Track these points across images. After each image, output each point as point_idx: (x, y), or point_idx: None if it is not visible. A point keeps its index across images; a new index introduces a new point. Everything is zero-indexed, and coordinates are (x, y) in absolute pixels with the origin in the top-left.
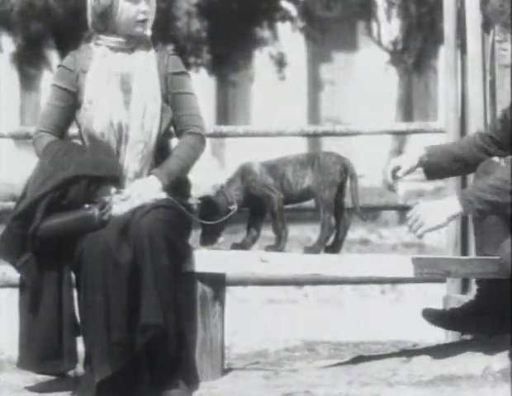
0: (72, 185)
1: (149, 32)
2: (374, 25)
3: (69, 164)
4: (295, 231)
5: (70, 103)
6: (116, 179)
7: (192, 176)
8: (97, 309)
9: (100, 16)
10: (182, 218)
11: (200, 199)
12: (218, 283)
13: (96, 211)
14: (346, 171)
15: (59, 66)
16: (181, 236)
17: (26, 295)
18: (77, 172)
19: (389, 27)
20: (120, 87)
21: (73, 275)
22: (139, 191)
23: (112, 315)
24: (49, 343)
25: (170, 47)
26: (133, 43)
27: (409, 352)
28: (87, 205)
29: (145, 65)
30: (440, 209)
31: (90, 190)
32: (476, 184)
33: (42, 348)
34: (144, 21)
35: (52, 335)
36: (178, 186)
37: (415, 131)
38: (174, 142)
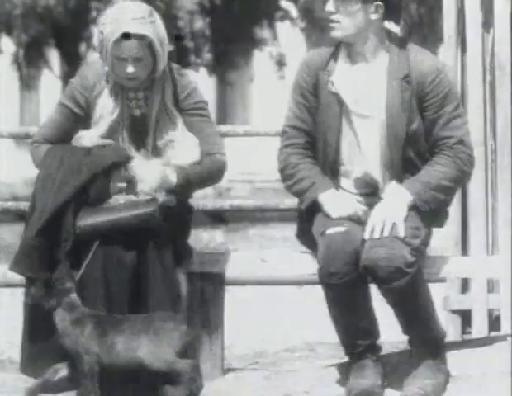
0: (89, 185)
1: (154, 75)
2: None
3: (80, 168)
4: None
5: (76, 123)
6: (125, 162)
7: None
8: (99, 307)
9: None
10: (184, 217)
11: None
12: (218, 283)
13: (156, 210)
14: None
15: (69, 82)
16: (183, 236)
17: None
18: (91, 172)
19: (389, 27)
20: (132, 131)
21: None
22: (154, 177)
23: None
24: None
25: (185, 72)
26: (144, 83)
27: (409, 352)
28: (135, 199)
29: (162, 106)
30: (397, 205)
31: (106, 183)
32: (425, 180)
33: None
34: (133, 79)
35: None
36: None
37: None
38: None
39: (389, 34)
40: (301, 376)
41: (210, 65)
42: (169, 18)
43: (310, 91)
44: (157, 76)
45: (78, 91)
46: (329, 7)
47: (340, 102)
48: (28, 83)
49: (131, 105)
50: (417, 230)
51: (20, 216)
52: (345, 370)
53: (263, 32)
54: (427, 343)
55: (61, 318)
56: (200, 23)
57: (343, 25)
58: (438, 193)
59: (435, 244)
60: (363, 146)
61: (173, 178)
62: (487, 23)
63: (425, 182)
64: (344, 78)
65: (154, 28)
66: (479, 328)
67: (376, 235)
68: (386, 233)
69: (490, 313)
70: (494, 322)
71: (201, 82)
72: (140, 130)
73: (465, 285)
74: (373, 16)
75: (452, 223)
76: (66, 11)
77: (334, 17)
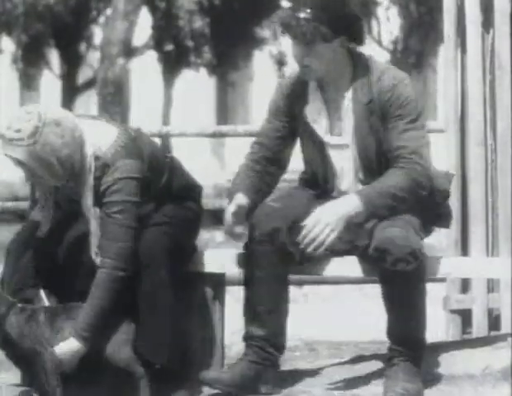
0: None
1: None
2: (374, 24)
3: None
4: None
5: None
6: None
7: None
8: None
9: None
10: (190, 218)
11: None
12: (218, 283)
13: None
14: None
15: None
16: (188, 239)
17: None
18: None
19: (389, 27)
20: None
21: None
22: None
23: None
24: None
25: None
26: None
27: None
28: None
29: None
30: (340, 209)
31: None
32: (377, 187)
33: None
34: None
35: None
36: (189, 191)
37: None
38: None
39: (354, 56)
40: (301, 376)
41: (210, 65)
42: (169, 17)
43: (284, 114)
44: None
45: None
46: (296, 54)
47: (315, 133)
48: (28, 83)
49: (62, 197)
50: (420, 225)
51: (19, 216)
52: (345, 370)
53: (264, 32)
54: (411, 346)
55: (14, 323)
56: (199, 23)
57: (313, 67)
58: (389, 200)
59: (435, 244)
60: (341, 173)
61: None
62: (487, 23)
63: (376, 188)
64: (316, 108)
65: (31, 151)
66: (479, 328)
67: (311, 235)
68: (321, 237)
69: (490, 312)
70: (494, 321)
71: (201, 82)
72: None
73: (465, 285)
74: (339, 50)
75: (452, 223)
76: (66, 10)
77: (301, 63)
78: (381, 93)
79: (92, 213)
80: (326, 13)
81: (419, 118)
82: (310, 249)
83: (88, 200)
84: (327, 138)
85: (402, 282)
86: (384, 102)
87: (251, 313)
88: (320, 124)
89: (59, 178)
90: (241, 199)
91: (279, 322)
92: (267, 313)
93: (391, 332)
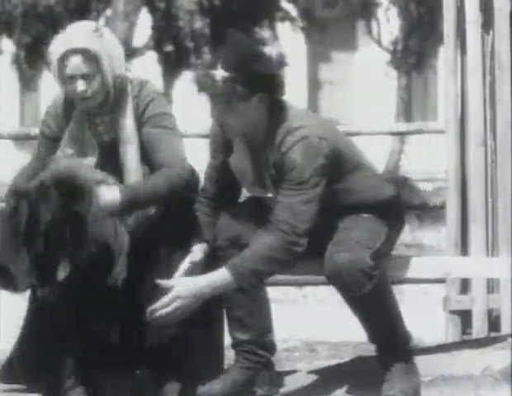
0: None
1: (99, 98)
2: (374, 24)
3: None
4: None
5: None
6: None
7: None
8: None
9: None
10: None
11: None
12: None
13: None
14: None
15: (46, 112)
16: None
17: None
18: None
19: (389, 27)
20: (103, 158)
21: None
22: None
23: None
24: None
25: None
26: (107, 106)
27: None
28: None
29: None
30: (199, 292)
31: None
32: (246, 254)
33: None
34: (86, 99)
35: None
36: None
37: (415, 131)
38: None
39: (273, 112)
40: (301, 376)
41: (210, 66)
42: (169, 18)
43: (223, 150)
44: (113, 95)
45: (50, 117)
46: (214, 113)
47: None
48: (28, 84)
49: (99, 130)
50: (377, 232)
51: None
52: (345, 371)
53: (263, 32)
54: (396, 348)
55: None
56: (199, 23)
57: (232, 125)
58: (257, 265)
59: (435, 244)
60: None
61: (116, 197)
62: (487, 24)
63: (242, 257)
64: (240, 159)
65: (100, 41)
66: (479, 328)
67: (161, 312)
68: (169, 318)
69: (490, 313)
70: (494, 322)
71: None
72: (112, 157)
73: (465, 286)
74: (259, 106)
75: (451, 224)
76: (66, 11)
77: (220, 121)
78: (277, 159)
79: (134, 137)
80: (241, 73)
81: (308, 181)
82: (155, 322)
83: (128, 120)
84: (252, 189)
85: (364, 299)
86: (279, 167)
87: (233, 319)
88: (246, 175)
89: (111, 77)
90: (196, 253)
91: (263, 323)
92: (248, 315)
93: (372, 341)
